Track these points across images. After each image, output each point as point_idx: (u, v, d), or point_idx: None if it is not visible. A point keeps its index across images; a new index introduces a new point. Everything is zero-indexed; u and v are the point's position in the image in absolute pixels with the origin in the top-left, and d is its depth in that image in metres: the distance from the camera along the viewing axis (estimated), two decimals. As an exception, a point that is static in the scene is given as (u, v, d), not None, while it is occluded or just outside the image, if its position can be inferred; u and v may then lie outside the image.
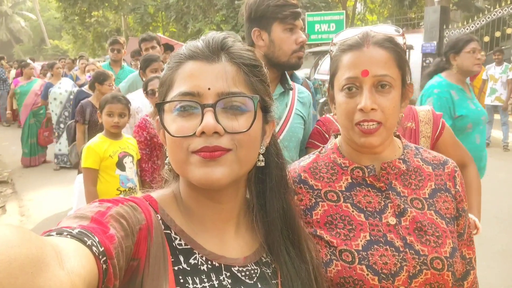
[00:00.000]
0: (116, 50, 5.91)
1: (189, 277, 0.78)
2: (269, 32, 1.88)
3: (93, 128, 4.22)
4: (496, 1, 15.90)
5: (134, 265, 0.73)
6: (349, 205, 1.17)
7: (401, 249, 1.10)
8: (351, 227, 1.14)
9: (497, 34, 12.79)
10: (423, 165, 1.24)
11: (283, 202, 0.92)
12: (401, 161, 1.22)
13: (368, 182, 1.19)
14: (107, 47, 6.67)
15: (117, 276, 0.65)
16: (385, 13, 20.79)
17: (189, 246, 0.82)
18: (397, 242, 1.11)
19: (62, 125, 8.04)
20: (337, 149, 1.26)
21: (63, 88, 7.90)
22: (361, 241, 1.12)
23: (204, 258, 0.82)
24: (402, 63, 1.15)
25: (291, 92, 1.98)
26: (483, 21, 13.05)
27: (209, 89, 0.78)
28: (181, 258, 0.80)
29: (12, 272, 0.46)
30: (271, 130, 0.91)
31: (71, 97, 7.87)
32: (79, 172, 3.89)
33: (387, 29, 1.20)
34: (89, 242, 0.61)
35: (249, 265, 0.86)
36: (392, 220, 1.14)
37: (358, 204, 1.17)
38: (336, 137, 1.33)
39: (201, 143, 0.76)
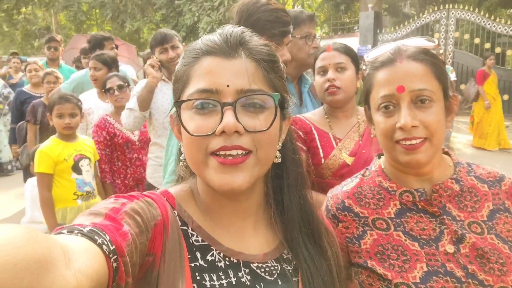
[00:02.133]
0: (53, 48, 5.63)
1: (206, 274, 0.77)
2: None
3: (45, 129, 4.01)
4: (422, 7, 16.97)
5: (149, 260, 0.73)
6: (400, 233, 1.09)
7: (463, 280, 1.02)
8: (405, 257, 1.06)
9: (425, 38, 13.67)
10: (477, 183, 1.14)
11: (301, 198, 0.91)
12: (453, 181, 1.13)
13: (420, 207, 1.11)
14: (43, 45, 6.33)
15: (129, 273, 0.65)
16: (321, 17, 21.45)
17: (206, 243, 0.81)
18: (458, 272, 1.03)
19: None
20: (382, 171, 1.18)
21: (-10, 90, 7.41)
22: (418, 272, 1.03)
23: (221, 255, 0.81)
24: (441, 75, 1.08)
25: None
26: (412, 26, 13.88)
27: (228, 86, 0.76)
28: (198, 255, 0.79)
29: (18, 272, 0.46)
30: (287, 126, 0.90)
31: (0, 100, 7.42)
32: (30, 175, 3.69)
33: (420, 41, 1.15)
34: (99, 241, 0.61)
35: (269, 262, 0.85)
36: (450, 248, 1.06)
37: (410, 232, 1.08)
38: (379, 157, 1.25)
39: (220, 143, 0.75)
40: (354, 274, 1.16)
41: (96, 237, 0.61)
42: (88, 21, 22.66)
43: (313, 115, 2.04)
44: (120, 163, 3.39)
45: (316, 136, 1.93)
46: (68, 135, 3.09)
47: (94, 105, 3.67)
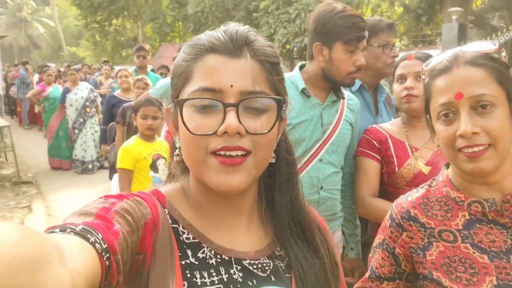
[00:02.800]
0: (141, 56, 6.08)
1: (197, 271, 0.77)
2: (331, 50, 1.92)
3: (130, 130, 4.37)
4: (511, 19, 15.94)
5: (139, 259, 0.73)
6: (468, 245, 1.06)
7: None
8: (473, 270, 1.03)
9: (514, 53, 12.82)
10: None
11: (291, 197, 0.90)
12: None
13: (490, 217, 1.07)
14: (130, 54, 6.83)
15: (120, 272, 0.65)
16: (401, 29, 20.89)
17: (197, 240, 0.81)
18: None
19: (77, 131, 8.26)
20: (450, 181, 1.16)
21: (79, 94, 8.11)
22: (487, 286, 1.00)
23: (213, 252, 0.81)
24: (503, 78, 1.05)
25: (341, 100, 2.06)
26: (501, 39, 13.08)
27: (231, 86, 0.75)
28: (189, 252, 0.79)
29: (12, 270, 0.46)
30: (283, 127, 0.90)
31: (87, 103, 8.10)
32: (116, 171, 4.01)
33: (480, 46, 1.12)
34: (92, 239, 0.61)
35: (261, 259, 0.85)
36: None
37: (479, 244, 1.05)
38: (447, 167, 1.22)
39: (222, 143, 0.75)
40: (420, 286, 1.15)
41: (88, 236, 0.61)
42: (172, 33, 23.94)
43: (390, 125, 2.07)
44: None
45: (391, 145, 1.95)
46: (149, 135, 3.33)
47: None
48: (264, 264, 0.84)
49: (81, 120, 8.23)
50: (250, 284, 0.80)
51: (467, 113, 1.02)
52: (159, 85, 4.79)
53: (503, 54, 1.11)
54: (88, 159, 8.32)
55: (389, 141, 1.97)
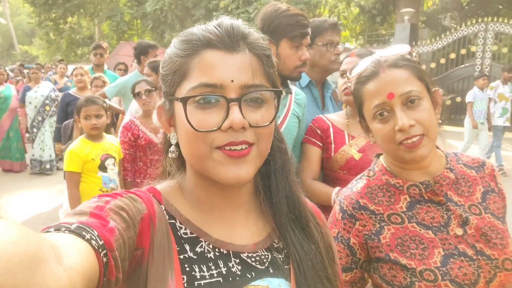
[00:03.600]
0: (99, 54, 6.01)
1: (196, 265, 0.77)
2: (277, 46, 2.06)
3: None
4: (462, 20, 16.72)
5: (138, 254, 0.73)
6: (414, 224, 1.18)
7: (474, 257, 1.12)
8: (423, 245, 1.15)
9: (463, 51, 13.46)
10: (467, 170, 1.27)
11: (286, 183, 0.91)
12: (448, 170, 1.24)
13: (426, 197, 1.21)
14: (86, 52, 6.74)
15: (119, 268, 0.65)
16: (357, 29, 21.45)
17: (195, 235, 0.81)
18: (469, 251, 1.13)
19: (35, 130, 8.04)
20: (386, 170, 1.27)
21: (40, 92, 7.92)
22: (437, 257, 1.13)
23: (211, 246, 0.81)
24: (421, 74, 1.18)
25: (289, 95, 2.18)
26: (449, 39, 13.70)
27: (232, 81, 0.75)
28: (187, 247, 0.79)
29: (10, 268, 0.46)
30: (275, 116, 0.91)
31: (47, 101, 7.91)
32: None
33: (395, 50, 1.23)
34: (87, 236, 0.61)
35: (259, 251, 0.85)
36: (459, 231, 1.16)
37: (423, 222, 1.18)
38: (378, 157, 1.34)
39: (227, 138, 0.75)
40: (373, 269, 1.23)
41: (84, 233, 0.61)
42: (130, 31, 23.57)
43: (335, 115, 2.24)
44: (141, 163, 3.60)
45: (331, 133, 2.12)
46: (95, 135, 3.28)
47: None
48: (263, 257, 0.85)
49: (39, 118, 7.98)
50: (249, 276, 0.80)
51: (400, 109, 1.13)
52: (116, 83, 4.79)
53: (414, 54, 1.25)
54: (46, 159, 8.07)
55: (331, 129, 2.13)
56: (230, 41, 0.78)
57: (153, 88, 3.58)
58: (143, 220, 0.75)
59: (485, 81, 8.54)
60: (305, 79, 2.49)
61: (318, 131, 2.15)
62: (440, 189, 1.21)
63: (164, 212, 0.81)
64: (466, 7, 20.82)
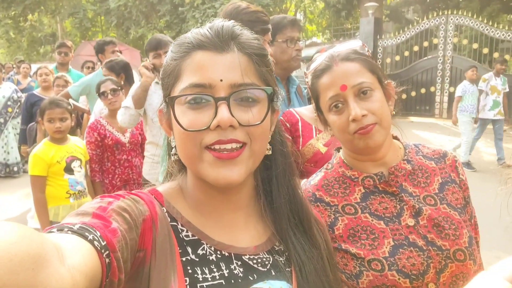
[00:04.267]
0: (63, 53, 5.91)
1: (198, 268, 0.77)
2: None
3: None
4: (424, 13, 17.16)
5: (140, 256, 0.74)
6: (367, 215, 1.21)
7: (425, 248, 1.15)
8: (374, 236, 1.17)
9: (425, 44, 13.84)
10: (426, 161, 1.29)
11: (289, 188, 0.91)
12: (405, 161, 1.27)
13: (380, 188, 1.24)
14: (48, 51, 6.59)
15: (121, 269, 0.65)
16: (323, 23, 21.69)
17: (196, 237, 0.81)
18: (420, 241, 1.16)
19: (-3, 131, 7.79)
20: (343, 162, 1.31)
21: (1, 94, 7.65)
22: (386, 247, 1.15)
23: (212, 248, 0.81)
24: (372, 67, 1.22)
25: None
26: (412, 32, 14.05)
27: (221, 80, 0.76)
28: (189, 249, 0.79)
29: (13, 268, 0.46)
30: (276, 119, 0.91)
31: (9, 103, 7.67)
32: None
33: (348, 45, 1.29)
34: (90, 237, 0.61)
35: (260, 254, 0.85)
36: (411, 222, 1.19)
37: (375, 212, 1.21)
38: (338, 151, 1.38)
39: (215, 137, 0.75)
40: None
41: (86, 234, 0.61)
42: (94, 28, 23.03)
43: (304, 109, 2.27)
44: (109, 164, 3.57)
45: (300, 126, 2.17)
46: (60, 138, 3.23)
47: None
48: (264, 259, 0.85)
49: (1, 120, 7.74)
50: (251, 278, 0.80)
51: (353, 100, 1.17)
52: (79, 82, 4.71)
53: (366, 49, 1.29)
54: (12, 161, 7.85)
55: (300, 123, 2.17)
56: (220, 42, 0.79)
57: (119, 88, 3.54)
58: (145, 222, 0.76)
59: (474, 72, 8.40)
60: None
61: (288, 124, 2.20)
62: (395, 180, 1.23)
63: (166, 214, 0.82)
64: (428, 0, 21.37)
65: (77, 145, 3.36)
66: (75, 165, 3.24)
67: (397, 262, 1.13)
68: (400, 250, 1.14)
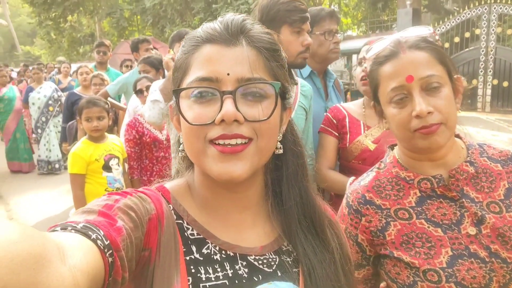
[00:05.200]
0: (102, 52, 6.02)
1: (202, 267, 0.77)
2: (278, 34, 2.05)
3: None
4: (464, 3, 16.53)
5: (145, 255, 0.73)
6: (423, 221, 1.12)
7: (487, 260, 1.05)
8: (430, 244, 1.09)
9: (467, 35, 13.31)
10: (491, 164, 1.17)
11: (301, 189, 0.88)
12: (468, 163, 1.15)
13: (439, 193, 1.13)
14: (88, 51, 6.77)
15: (125, 268, 0.65)
16: (359, 16, 21.27)
17: (201, 236, 0.80)
18: (482, 252, 1.06)
19: (39, 131, 8.07)
20: (397, 162, 1.21)
21: (42, 93, 7.93)
22: (443, 257, 1.07)
23: (217, 248, 0.80)
24: (443, 59, 1.11)
25: (295, 86, 2.16)
26: (453, 22, 13.54)
27: (228, 74, 0.74)
28: (193, 248, 0.78)
29: (14, 268, 0.46)
30: (288, 117, 0.88)
31: (50, 102, 7.93)
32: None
33: (417, 31, 1.17)
34: (93, 236, 0.61)
35: (267, 254, 0.84)
36: (472, 230, 1.08)
37: (432, 219, 1.11)
38: (392, 149, 1.28)
39: (220, 131, 0.73)
40: (380, 265, 1.19)
41: (90, 233, 0.61)
42: (130, 27, 23.51)
43: (352, 105, 2.22)
44: (147, 161, 3.60)
45: (347, 123, 2.12)
46: (98, 136, 3.28)
47: (140, 104, 3.91)
48: (270, 260, 0.83)
49: (43, 119, 8.01)
50: (256, 279, 0.79)
51: (419, 94, 1.06)
52: (116, 81, 4.78)
53: (437, 37, 1.17)
54: (54, 159, 8.09)
55: (347, 119, 2.13)
56: (228, 35, 0.77)
57: None
58: (151, 221, 0.75)
59: None
60: (306, 69, 2.48)
61: (334, 120, 2.15)
62: (455, 184, 1.12)
63: (172, 212, 0.81)
64: (468, -10, 20.57)
65: (115, 143, 3.40)
66: (113, 163, 3.28)
67: (455, 273, 1.04)
68: (460, 261, 1.05)
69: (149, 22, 20.81)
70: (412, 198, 1.15)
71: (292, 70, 2.18)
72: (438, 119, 1.06)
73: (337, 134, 2.14)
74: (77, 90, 5.66)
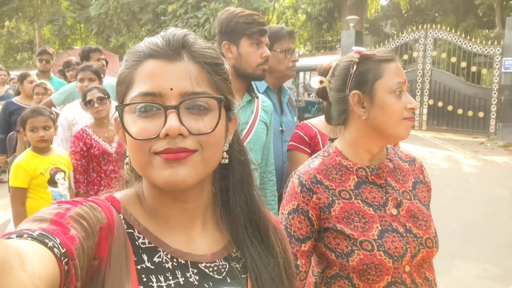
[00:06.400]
0: (44, 60, 5.75)
1: (153, 276, 0.77)
2: (238, 46, 2.09)
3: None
4: (402, 27, 17.53)
5: (95, 264, 0.73)
6: (359, 201, 1.36)
7: (404, 234, 1.33)
8: (365, 220, 1.33)
9: (405, 57, 14.09)
10: (401, 163, 1.50)
11: (247, 197, 0.91)
12: (388, 160, 1.46)
13: (370, 180, 1.40)
14: (25, 58, 6.45)
15: (78, 277, 0.65)
16: (305, 35, 21.92)
17: (153, 245, 0.81)
18: (400, 229, 1.34)
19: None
20: (340, 152, 1.45)
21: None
22: (375, 231, 1.31)
23: (169, 256, 0.81)
24: None
25: (256, 100, 2.20)
26: (392, 45, 14.30)
27: (171, 89, 0.75)
28: (145, 257, 0.78)
29: None
30: (234, 127, 0.90)
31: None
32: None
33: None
34: (50, 244, 0.60)
35: (217, 261, 0.85)
36: (394, 211, 1.37)
37: (366, 200, 1.37)
38: (332, 141, 1.53)
39: (164, 145, 0.74)
40: (319, 239, 1.38)
41: (46, 241, 0.60)
42: (73, 35, 22.75)
43: (318, 121, 2.26)
44: (95, 174, 3.43)
45: (319, 140, 2.16)
46: (43, 148, 3.11)
47: (78, 115, 3.70)
48: (220, 266, 0.85)
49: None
50: (206, 286, 0.80)
51: (406, 93, 1.38)
52: (62, 90, 4.57)
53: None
54: (-10, 172, 7.60)
55: (318, 136, 2.17)
56: (170, 51, 0.78)
57: (106, 96, 3.42)
58: (102, 230, 0.74)
59: None
60: (262, 85, 2.52)
61: (306, 138, 2.18)
62: (382, 174, 1.41)
63: (123, 221, 0.80)
64: (405, 15, 21.87)
65: (61, 155, 3.24)
66: (59, 177, 3.11)
67: (384, 244, 1.29)
68: (386, 234, 1.31)
69: (94, 31, 20.25)
70: (352, 182, 1.40)
71: (252, 83, 2.21)
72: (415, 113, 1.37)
73: (310, 152, 2.16)
74: (16, 99, 5.37)
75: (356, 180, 1.40)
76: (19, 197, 3.00)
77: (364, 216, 1.34)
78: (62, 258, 0.60)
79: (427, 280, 1.37)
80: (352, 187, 1.38)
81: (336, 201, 1.36)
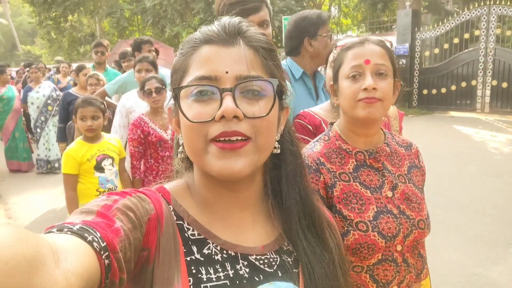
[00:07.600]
0: (100, 52, 6.00)
1: (203, 267, 0.77)
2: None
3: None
4: (464, 4, 16.52)
5: (144, 255, 0.73)
6: (357, 183, 1.41)
7: (398, 216, 1.38)
8: (362, 202, 1.38)
9: (466, 36, 13.32)
10: (398, 147, 1.54)
11: (300, 189, 0.90)
12: (385, 145, 1.50)
13: (368, 163, 1.45)
14: (88, 50, 6.76)
15: (123, 269, 0.65)
16: (359, 17, 21.27)
17: (202, 236, 0.81)
18: (394, 210, 1.39)
19: (39, 130, 8.09)
20: (340, 136, 1.50)
21: (41, 92, 7.96)
22: (370, 212, 1.37)
23: (218, 248, 0.80)
24: (393, 61, 1.43)
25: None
26: (452, 23, 13.55)
27: (227, 72, 0.76)
28: (194, 249, 0.78)
29: (8, 272, 0.46)
30: (285, 117, 0.90)
31: (49, 101, 7.95)
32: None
33: (380, 39, 1.48)
34: (89, 238, 0.61)
35: (268, 254, 0.84)
36: (389, 194, 1.42)
37: (364, 182, 1.42)
38: (332, 124, 1.56)
39: (220, 128, 0.74)
40: None
41: (86, 235, 0.61)
42: (131, 27, 23.53)
43: (320, 109, 2.15)
44: (153, 160, 3.58)
45: (325, 128, 2.03)
46: (92, 136, 3.27)
47: (135, 103, 3.89)
48: (271, 259, 0.83)
49: (42, 118, 8.04)
50: (257, 279, 0.79)
51: (369, 74, 1.36)
52: (115, 80, 4.77)
53: (393, 48, 1.50)
54: (53, 158, 8.11)
55: (323, 125, 2.05)
56: (226, 36, 0.80)
57: (163, 86, 3.52)
58: (150, 221, 0.75)
59: None
60: (298, 70, 2.49)
61: (310, 127, 2.08)
62: (379, 158, 1.46)
63: (172, 212, 0.81)
64: (469, -9, 20.53)
65: (111, 143, 3.39)
66: (106, 163, 3.28)
67: (378, 225, 1.35)
68: (381, 215, 1.36)
69: (149, 22, 20.83)
70: (351, 165, 1.45)
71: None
72: (379, 96, 1.34)
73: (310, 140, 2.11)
74: (73, 90, 5.66)
75: (355, 163, 1.45)
76: (70, 182, 3.21)
77: (361, 198, 1.39)
78: (102, 252, 0.61)
79: (421, 257, 1.47)
80: (351, 170, 1.44)
81: (337, 182, 1.41)
